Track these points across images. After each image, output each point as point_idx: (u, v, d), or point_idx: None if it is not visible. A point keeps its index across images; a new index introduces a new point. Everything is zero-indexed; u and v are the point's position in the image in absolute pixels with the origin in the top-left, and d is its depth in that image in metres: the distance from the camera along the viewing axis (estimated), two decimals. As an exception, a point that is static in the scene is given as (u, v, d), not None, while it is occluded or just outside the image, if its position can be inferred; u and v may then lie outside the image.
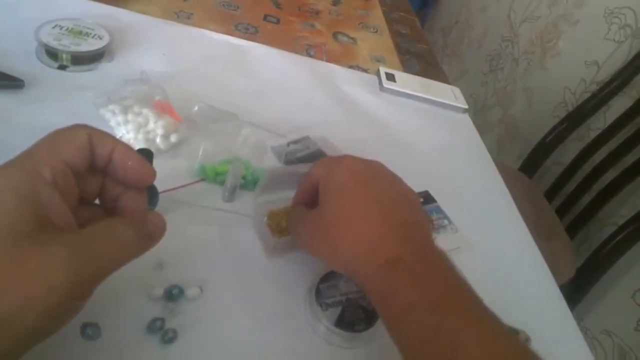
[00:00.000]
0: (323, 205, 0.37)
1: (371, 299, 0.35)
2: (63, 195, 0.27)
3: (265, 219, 0.45)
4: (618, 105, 1.25)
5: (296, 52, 0.81)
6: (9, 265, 0.23)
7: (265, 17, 0.89)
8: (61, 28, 0.60)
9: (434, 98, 0.79)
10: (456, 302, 0.32)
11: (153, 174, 0.32)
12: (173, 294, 0.38)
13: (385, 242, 0.34)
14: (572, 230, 1.21)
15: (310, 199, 0.40)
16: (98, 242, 0.27)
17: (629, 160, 1.12)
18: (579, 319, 1.20)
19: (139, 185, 0.32)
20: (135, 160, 0.31)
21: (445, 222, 0.55)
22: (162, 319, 0.36)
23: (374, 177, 0.39)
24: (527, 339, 0.43)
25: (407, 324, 0.32)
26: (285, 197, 0.47)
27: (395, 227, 0.35)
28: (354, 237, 0.35)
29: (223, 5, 0.87)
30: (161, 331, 0.36)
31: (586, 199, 1.20)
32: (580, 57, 1.43)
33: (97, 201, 0.33)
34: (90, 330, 0.33)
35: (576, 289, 1.08)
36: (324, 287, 0.41)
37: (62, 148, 0.28)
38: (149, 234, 0.30)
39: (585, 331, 1.20)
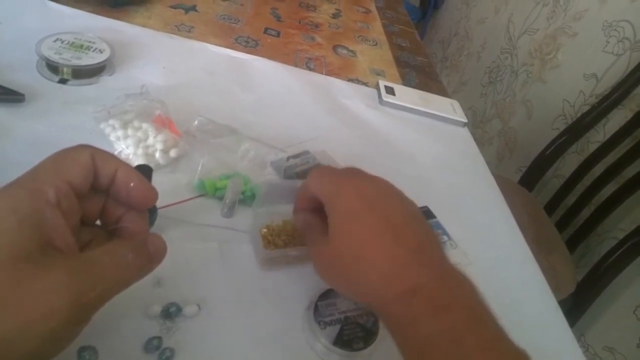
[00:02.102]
0: (333, 233, 0.36)
1: (389, 329, 0.33)
2: (65, 216, 0.27)
3: (263, 230, 0.45)
4: (617, 118, 1.25)
5: (296, 65, 0.81)
6: (9, 288, 0.23)
7: (265, 30, 0.89)
8: (62, 42, 0.60)
9: (433, 112, 0.79)
10: (482, 336, 0.30)
11: (155, 195, 0.32)
12: (171, 312, 0.38)
13: (401, 268, 0.32)
14: (572, 244, 1.20)
15: (310, 205, 0.40)
16: (99, 266, 0.27)
17: (628, 173, 1.12)
18: (580, 335, 1.19)
19: (141, 206, 0.32)
20: (138, 182, 0.31)
21: (445, 237, 0.55)
22: (160, 338, 0.36)
23: (382, 197, 0.37)
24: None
25: (429, 358, 0.30)
26: (283, 211, 0.47)
27: (410, 250, 0.33)
28: (368, 265, 0.33)
29: (223, 18, 0.88)
30: (158, 350, 0.35)
31: (586, 212, 1.20)
32: (579, 70, 1.43)
33: (98, 222, 0.33)
34: (87, 355, 0.33)
35: (577, 304, 1.08)
36: (322, 304, 0.41)
37: (66, 169, 0.28)
38: (150, 257, 0.30)
39: (586, 347, 1.19)
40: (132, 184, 0.31)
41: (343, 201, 0.36)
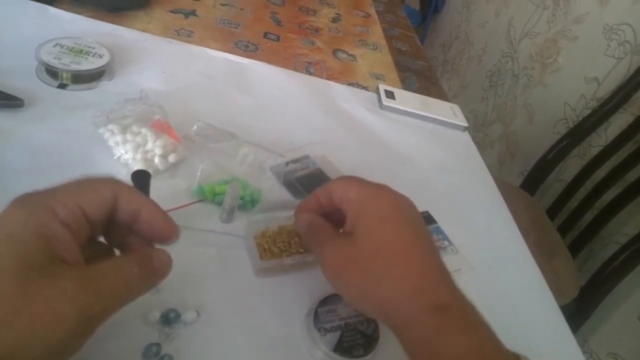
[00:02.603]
0: (362, 234, 0.34)
1: (408, 347, 0.32)
2: (74, 235, 0.28)
3: (258, 238, 0.45)
4: (619, 122, 1.25)
5: (296, 70, 0.81)
6: (17, 297, 0.24)
7: (265, 35, 0.89)
8: (61, 47, 0.60)
9: (433, 116, 0.79)
10: (505, 355, 0.31)
11: (178, 232, 0.33)
12: (169, 318, 0.37)
13: (432, 284, 0.32)
14: (575, 248, 1.20)
15: (320, 209, 0.39)
16: (105, 279, 0.27)
17: (631, 177, 1.11)
18: (584, 341, 1.18)
19: (161, 241, 0.33)
20: (161, 220, 0.32)
21: (446, 243, 0.55)
22: (159, 345, 0.35)
23: (413, 213, 0.37)
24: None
25: None
26: (279, 216, 0.47)
27: (438, 268, 0.33)
28: (399, 275, 0.32)
29: (223, 23, 0.88)
30: (157, 357, 0.35)
31: (588, 216, 1.19)
32: (580, 74, 1.43)
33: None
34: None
35: (580, 309, 1.07)
36: (322, 311, 0.40)
37: (84, 196, 0.29)
38: (155, 271, 0.30)
39: (590, 353, 1.18)
40: (157, 222, 0.31)
41: (379, 207, 0.36)
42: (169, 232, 0.32)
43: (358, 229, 0.35)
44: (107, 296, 0.27)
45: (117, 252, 0.34)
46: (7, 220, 0.26)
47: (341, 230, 0.38)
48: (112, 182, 0.31)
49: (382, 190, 0.37)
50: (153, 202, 0.32)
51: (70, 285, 0.25)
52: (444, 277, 0.33)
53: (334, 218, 0.39)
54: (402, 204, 0.36)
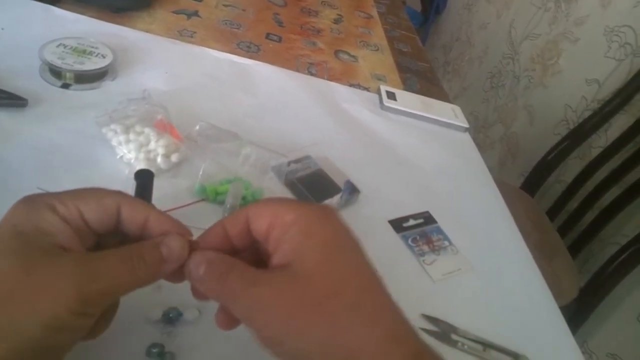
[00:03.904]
0: (311, 266, 0.27)
1: None
2: (74, 230, 0.28)
3: None
4: (619, 124, 1.25)
5: (298, 71, 0.81)
6: (19, 274, 0.25)
7: (267, 36, 0.90)
8: (65, 47, 0.60)
9: (434, 117, 0.79)
10: None
11: (189, 233, 0.31)
12: (171, 317, 0.38)
13: (403, 327, 0.27)
14: (575, 249, 1.20)
15: (224, 245, 0.30)
16: (105, 263, 0.27)
17: (631, 178, 1.12)
18: (583, 341, 1.19)
19: None
20: (170, 226, 0.30)
21: (446, 243, 0.55)
22: (162, 345, 0.36)
23: (359, 241, 0.29)
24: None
25: None
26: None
27: (398, 306, 0.28)
28: (369, 318, 0.26)
29: (225, 23, 0.88)
30: (160, 355, 0.35)
31: (588, 217, 1.20)
32: (581, 75, 1.43)
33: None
34: None
35: (580, 310, 1.07)
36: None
37: (84, 201, 0.29)
38: (161, 260, 0.28)
39: (590, 354, 1.18)
40: (165, 228, 0.30)
41: (328, 231, 0.28)
42: (182, 234, 0.31)
43: (304, 260, 0.27)
44: (107, 278, 0.27)
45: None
46: (11, 215, 0.27)
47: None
48: (115, 192, 0.30)
49: (327, 211, 0.30)
50: (159, 210, 0.31)
51: (70, 265, 0.26)
52: (406, 319, 0.28)
53: (242, 257, 0.30)
54: (349, 229, 0.29)
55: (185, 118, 0.56)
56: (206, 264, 0.28)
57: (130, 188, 0.39)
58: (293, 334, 0.26)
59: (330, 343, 0.26)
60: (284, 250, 0.28)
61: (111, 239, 0.31)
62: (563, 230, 1.25)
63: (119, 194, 0.30)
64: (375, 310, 0.27)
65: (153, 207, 0.31)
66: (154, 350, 0.35)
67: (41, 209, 0.27)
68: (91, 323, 0.27)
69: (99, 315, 0.28)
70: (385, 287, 0.28)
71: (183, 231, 0.31)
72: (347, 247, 0.28)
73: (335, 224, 0.29)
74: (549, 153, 1.33)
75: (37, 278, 0.25)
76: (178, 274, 0.30)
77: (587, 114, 1.33)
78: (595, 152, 1.27)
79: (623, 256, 1.00)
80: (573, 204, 1.26)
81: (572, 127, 1.39)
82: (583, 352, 0.49)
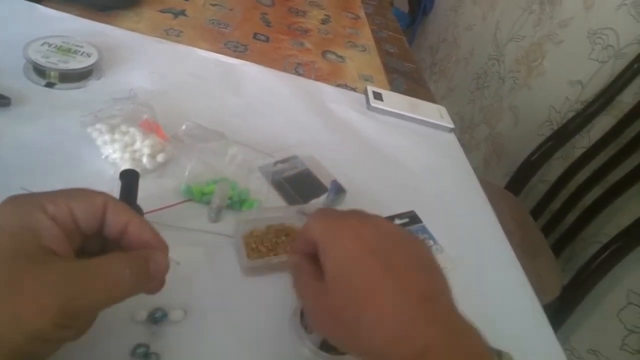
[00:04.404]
0: (329, 280, 0.31)
1: None
2: (62, 229, 0.28)
3: (246, 236, 0.45)
4: (601, 125, 1.27)
5: (285, 71, 0.81)
6: (8, 282, 0.24)
7: (254, 35, 0.90)
8: (49, 45, 0.60)
9: (420, 117, 0.80)
10: None
11: (166, 249, 0.33)
12: (156, 317, 0.37)
13: (408, 325, 0.29)
14: (558, 248, 1.22)
15: (307, 248, 0.35)
16: (93, 275, 0.27)
17: (612, 178, 1.14)
18: (565, 338, 1.21)
19: None
20: (149, 235, 0.31)
21: (431, 242, 0.56)
22: (147, 345, 0.36)
23: (384, 240, 0.32)
24: (511, 361, 0.43)
25: None
26: (267, 216, 0.47)
27: (415, 300, 0.29)
28: (370, 323, 0.29)
29: (213, 23, 0.88)
30: (144, 356, 0.35)
31: (571, 217, 1.22)
32: (564, 77, 1.45)
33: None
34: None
35: (562, 308, 1.09)
36: (309, 309, 0.41)
37: (75, 199, 0.29)
38: (148, 275, 0.30)
39: (571, 350, 1.20)
40: (143, 237, 0.31)
41: (340, 246, 0.32)
42: (157, 246, 0.32)
43: (327, 274, 0.32)
44: (93, 294, 0.27)
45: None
46: None
47: None
48: (103, 194, 0.31)
49: (346, 222, 0.33)
50: (141, 217, 0.32)
51: (56, 277, 0.25)
52: (423, 312, 0.29)
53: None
54: (366, 233, 0.32)
55: (171, 118, 0.56)
56: (293, 267, 0.36)
57: (115, 188, 0.39)
58: (327, 335, 0.33)
59: (349, 345, 0.31)
60: (321, 264, 0.33)
61: (94, 242, 0.31)
62: (546, 230, 1.27)
63: (106, 194, 0.31)
64: (377, 314, 0.29)
65: (134, 213, 0.32)
66: (139, 351, 0.35)
67: (29, 208, 0.27)
68: (75, 332, 0.28)
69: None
70: (399, 283, 0.30)
71: (161, 245, 0.32)
72: (356, 257, 0.31)
73: (346, 238, 0.32)
74: (533, 153, 1.35)
75: (22, 288, 0.24)
76: (155, 287, 0.32)
77: (571, 115, 1.35)
78: (578, 152, 1.29)
79: (605, 254, 1.02)
80: (556, 203, 1.28)
81: (555, 127, 1.41)
82: (565, 349, 0.50)
